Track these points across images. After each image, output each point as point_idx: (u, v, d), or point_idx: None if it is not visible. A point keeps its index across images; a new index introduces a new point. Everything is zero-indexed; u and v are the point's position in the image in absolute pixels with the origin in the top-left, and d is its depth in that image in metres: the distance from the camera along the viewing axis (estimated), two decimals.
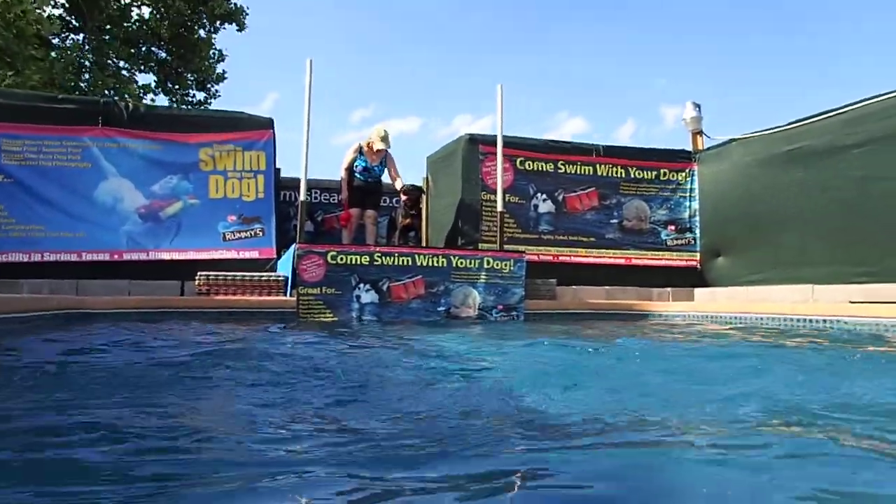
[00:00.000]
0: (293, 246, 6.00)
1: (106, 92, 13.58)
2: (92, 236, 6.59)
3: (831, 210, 6.36)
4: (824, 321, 4.99)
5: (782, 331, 5.06)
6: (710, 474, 1.25)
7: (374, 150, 7.29)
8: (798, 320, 5.28)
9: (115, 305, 5.20)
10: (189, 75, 16.10)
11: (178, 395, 2.06)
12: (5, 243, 6.31)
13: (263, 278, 6.05)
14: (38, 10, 10.10)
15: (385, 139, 7.27)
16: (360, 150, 7.34)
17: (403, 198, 7.72)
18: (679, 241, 8.43)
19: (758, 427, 1.65)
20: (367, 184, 7.41)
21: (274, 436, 1.55)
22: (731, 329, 5.38)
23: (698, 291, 7.97)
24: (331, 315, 5.78)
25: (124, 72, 15.42)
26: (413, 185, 7.86)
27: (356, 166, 7.34)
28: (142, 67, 16.00)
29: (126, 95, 12.83)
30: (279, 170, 7.70)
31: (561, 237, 8.03)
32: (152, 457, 1.32)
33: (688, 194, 8.49)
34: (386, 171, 7.54)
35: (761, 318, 5.63)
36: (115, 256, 6.64)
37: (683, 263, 8.38)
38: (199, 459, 1.36)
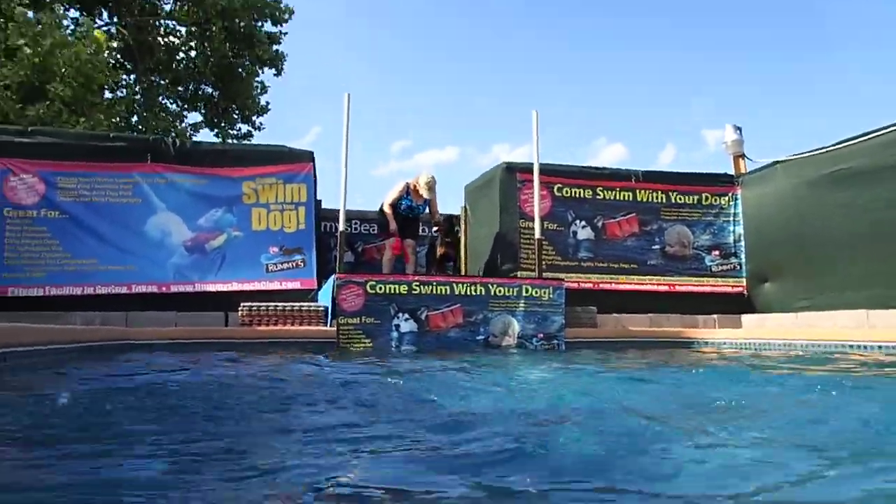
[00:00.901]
0: (333, 276, 6.07)
1: (156, 132, 14.12)
2: (141, 269, 6.80)
3: (882, 232, 6.15)
4: (880, 347, 4.79)
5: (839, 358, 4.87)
6: None
7: (421, 190, 7.48)
8: (852, 346, 5.07)
9: (157, 336, 5.33)
10: (234, 110, 16.62)
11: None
12: (60, 277, 6.56)
13: (304, 308, 6.14)
14: (104, 60, 10.64)
15: (431, 189, 7.49)
16: (406, 190, 7.53)
17: (436, 228, 7.85)
18: (724, 267, 8.25)
19: None
20: (406, 218, 7.57)
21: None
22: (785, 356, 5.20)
23: (745, 318, 7.75)
24: (370, 344, 5.81)
25: (173, 109, 16.01)
26: (444, 216, 7.96)
27: (400, 204, 7.53)
28: (189, 105, 16.60)
29: (173, 133, 13.30)
30: (320, 201, 7.86)
31: (601, 264, 7.94)
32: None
33: (731, 218, 8.32)
34: (427, 209, 7.74)
35: (814, 345, 5.43)
36: (164, 289, 6.83)
37: (729, 289, 8.19)
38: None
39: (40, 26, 9.62)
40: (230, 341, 5.37)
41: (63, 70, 9.63)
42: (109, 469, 1.46)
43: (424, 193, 7.46)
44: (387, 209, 7.49)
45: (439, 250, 7.90)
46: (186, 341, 5.23)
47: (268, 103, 17.07)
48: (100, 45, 10.47)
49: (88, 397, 2.55)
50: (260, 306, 6.06)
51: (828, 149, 6.96)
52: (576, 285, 7.55)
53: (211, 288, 6.91)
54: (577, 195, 8.00)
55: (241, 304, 6.09)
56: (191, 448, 1.65)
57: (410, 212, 7.62)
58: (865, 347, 4.95)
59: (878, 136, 6.37)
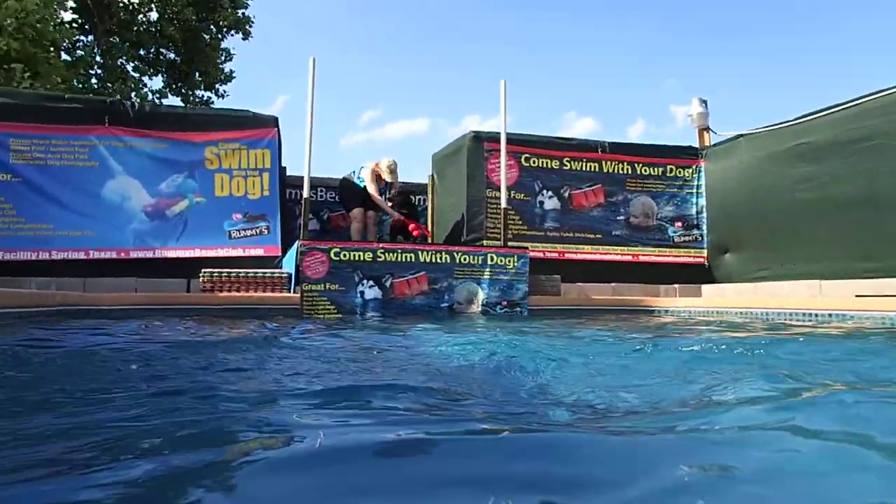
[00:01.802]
0: (297, 243, 6.02)
1: (116, 95, 13.70)
2: (99, 235, 6.64)
3: (839, 205, 6.29)
4: (829, 315, 4.94)
5: (788, 325, 5.02)
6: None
7: (383, 179, 7.73)
8: (804, 315, 5.22)
9: (117, 302, 5.24)
10: (197, 76, 16.23)
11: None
12: (14, 241, 6.38)
13: (267, 275, 6.08)
14: (54, 15, 10.21)
15: (393, 173, 7.76)
16: (376, 176, 7.72)
17: (390, 203, 7.96)
18: (686, 238, 8.38)
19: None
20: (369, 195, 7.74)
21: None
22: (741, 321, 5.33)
23: (706, 288, 7.91)
24: (334, 311, 5.80)
25: (134, 73, 15.56)
26: (399, 188, 8.24)
27: (358, 181, 7.77)
28: (151, 70, 16.15)
29: (134, 96, 12.93)
30: (285, 168, 7.74)
31: (567, 234, 8.00)
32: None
33: (695, 191, 8.44)
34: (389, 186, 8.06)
35: (767, 313, 5.58)
36: (123, 255, 6.68)
37: (691, 260, 8.33)
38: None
39: None
40: (190, 307, 5.30)
41: (8, 23, 9.22)
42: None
43: (387, 178, 7.73)
44: (375, 195, 7.66)
45: (394, 220, 7.96)
46: (145, 307, 5.15)
47: (232, 71, 16.72)
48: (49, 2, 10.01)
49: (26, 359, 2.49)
50: (222, 272, 5.98)
51: (790, 123, 7.07)
52: (541, 254, 7.63)
53: (172, 254, 6.79)
54: (545, 165, 8.02)
55: (203, 270, 5.99)
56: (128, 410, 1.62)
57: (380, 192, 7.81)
58: (817, 315, 5.10)
59: (838, 110, 6.47)
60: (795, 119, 7.01)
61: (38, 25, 9.47)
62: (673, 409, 1.68)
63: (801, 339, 3.48)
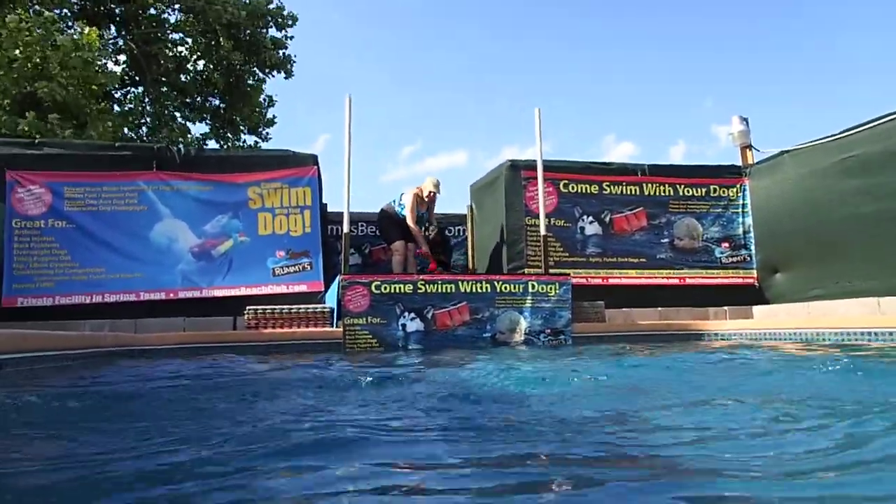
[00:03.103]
0: (338, 277, 6.07)
1: (165, 142, 14.23)
2: (149, 276, 6.84)
3: (892, 218, 6.05)
4: (891, 334, 4.71)
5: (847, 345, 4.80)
6: None
7: (426, 193, 7.59)
8: (863, 334, 4.99)
9: (162, 342, 5.35)
10: (241, 122, 16.74)
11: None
12: (69, 286, 6.62)
13: (310, 310, 6.14)
14: (99, 63, 10.66)
15: (437, 186, 7.67)
16: (416, 200, 7.59)
17: (431, 235, 7.82)
18: (734, 259, 8.16)
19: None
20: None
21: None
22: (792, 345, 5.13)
23: (756, 309, 7.66)
24: (377, 344, 5.81)
25: (180, 121, 16.15)
26: (437, 228, 8.00)
27: (399, 209, 7.60)
28: (196, 117, 16.74)
29: (181, 142, 13.40)
30: (325, 205, 7.86)
31: (610, 259, 7.88)
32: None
33: (740, 210, 8.24)
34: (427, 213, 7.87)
35: (822, 333, 5.35)
36: (171, 295, 6.85)
37: (740, 281, 8.09)
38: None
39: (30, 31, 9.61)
40: (235, 344, 5.38)
41: (55, 72, 9.62)
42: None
43: (430, 188, 7.60)
44: (412, 225, 7.49)
45: (431, 265, 7.80)
46: (191, 345, 5.25)
47: (274, 116, 17.20)
48: (93, 44, 10.35)
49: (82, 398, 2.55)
50: (266, 309, 6.07)
51: (835, 137, 6.87)
52: (584, 280, 7.52)
53: (218, 293, 6.94)
54: (584, 191, 7.95)
55: (247, 308, 6.10)
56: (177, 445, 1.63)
57: (418, 221, 7.69)
58: (876, 335, 4.86)
59: (884, 122, 6.27)
60: (840, 133, 6.81)
61: (84, 73, 9.87)
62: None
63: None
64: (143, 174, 6.98)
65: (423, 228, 7.73)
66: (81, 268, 6.69)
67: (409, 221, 7.49)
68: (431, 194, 7.61)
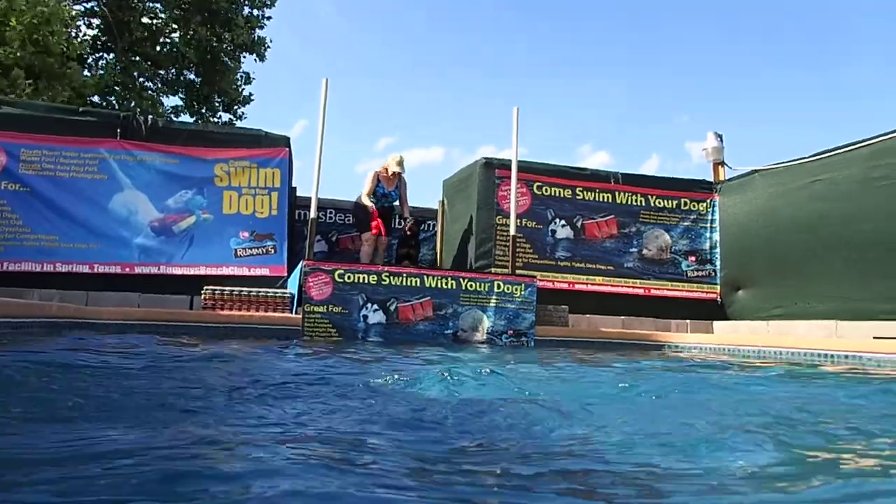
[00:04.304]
0: (301, 262, 5.93)
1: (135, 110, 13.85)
2: (105, 248, 6.60)
3: (857, 244, 6.14)
4: (846, 356, 4.76)
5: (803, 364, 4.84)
6: None
7: (390, 173, 7.40)
8: (819, 355, 5.04)
9: (112, 316, 5.16)
10: (216, 98, 16.38)
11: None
12: (19, 252, 6.35)
13: (269, 294, 5.99)
14: (67, 30, 10.31)
15: (401, 164, 7.45)
16: (377, 179, 7.45)
17: (407, 226, 7.66)
18: (699, 273, 8.22)
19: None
20: (382, 208, 7.47)
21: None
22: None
23: (717, 324, 7.73)
24: (336, 334, 5.69)
25: (151, 92, 15.72)
26: (413, 218, 7.78)
27: (376, 192, 7.43)
28: (169, 90, 16.33)
29: (150, 112, 13.05)
30: (294, 188, 7.70)
31: (578, 264, 7.86)
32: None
33: (708, 225, 8.30)
34: (398, 198, 7.70)
35: (781, 352, 5.40)
36: (127, 269, 6.63)
37: (703, 295, 8.15)
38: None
39: None
40: (189, 324, 5.21)
41: (19, 30, 9.26)
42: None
43: (394, 168, 7.37)
44: (365, 199, 7.35)
45: (401, 250, 7.69)
46: (143, 322, 5.07)
47: (251, 94, 16.86)
48: (58, 10, 9.99)
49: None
50: (224, 290, 5.90)
51: (805, 160, 6.95)
52: (550, 284, 7.49)
53: (177, 271, 6.72)
54: (557, 194, 7.92)
55: (204, 287, 5.92)
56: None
57: (385, 200, 7.56)
58: (833, 357, 4.92)
59: (855, 148, 6.35)
60: (810, 156, 6.89)
61: (50, 37, 9.54)
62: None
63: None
64: (106, 142, 6.73)
65: (395, 214, 7.57)
66: (33, 234, 6.43)
67: (364, 197, 7.35)
68: (395, 173, 7.43)
